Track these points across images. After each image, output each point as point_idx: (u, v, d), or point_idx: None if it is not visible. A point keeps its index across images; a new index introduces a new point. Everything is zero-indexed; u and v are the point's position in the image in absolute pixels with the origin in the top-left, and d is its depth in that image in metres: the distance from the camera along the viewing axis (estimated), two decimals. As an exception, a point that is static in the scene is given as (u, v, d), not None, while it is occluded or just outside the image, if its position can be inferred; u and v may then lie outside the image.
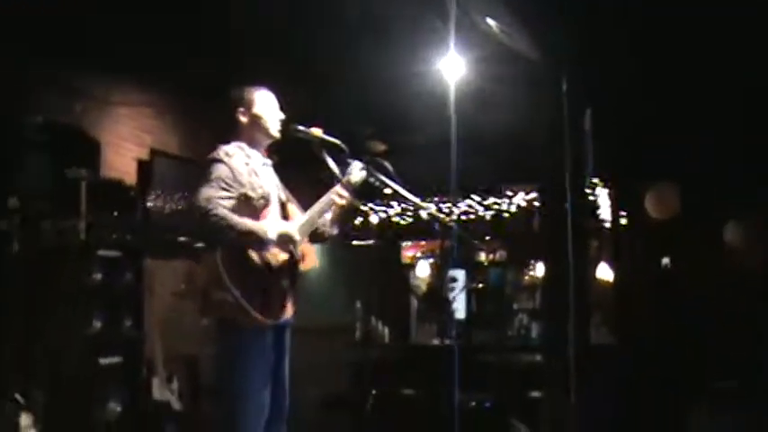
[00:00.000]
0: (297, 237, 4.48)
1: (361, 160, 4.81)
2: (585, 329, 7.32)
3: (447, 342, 10.10)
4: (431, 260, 12.48)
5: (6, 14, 6.75)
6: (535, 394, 8.26)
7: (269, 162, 4.75)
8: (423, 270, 12.47)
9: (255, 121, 4.65)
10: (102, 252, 7.34)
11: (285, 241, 4.42)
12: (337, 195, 4.69)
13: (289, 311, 4.54)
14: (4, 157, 7.13)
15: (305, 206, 4.78)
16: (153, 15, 7.29)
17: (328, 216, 4.79)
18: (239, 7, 7.08)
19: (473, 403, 8.65)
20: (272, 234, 4.34)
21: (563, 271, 6.78)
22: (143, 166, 8.89)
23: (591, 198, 10.37)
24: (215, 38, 7.71)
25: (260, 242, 4.32)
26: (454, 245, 9.93)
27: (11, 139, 7.27)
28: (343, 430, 8.94)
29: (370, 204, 11.78)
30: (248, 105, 4.65)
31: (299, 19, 7.08)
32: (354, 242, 11.24)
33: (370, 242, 11.47)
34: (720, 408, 8.69)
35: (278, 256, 4.42)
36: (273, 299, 4.43)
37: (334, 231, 4.90)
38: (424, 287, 12.53)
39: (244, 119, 4.64)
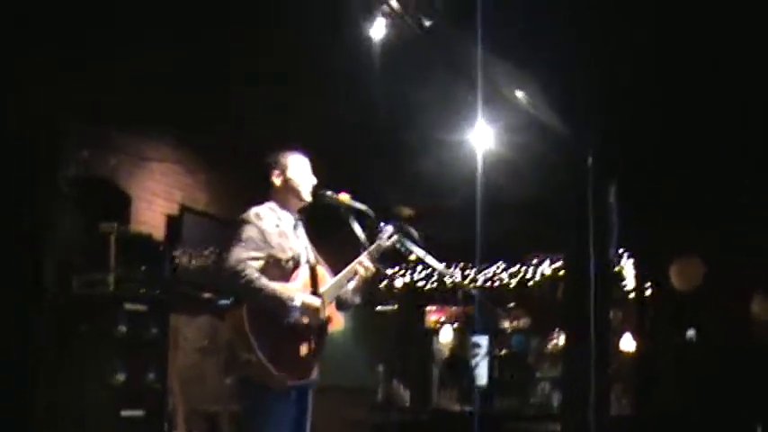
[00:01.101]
0: (321, 308, 4.51)
1: (391, 225, 4.84)
2: (606, 399, 7.29)
3: (468, 408, 10.10)
4: (454, 325, 12.47)
5: (42, 70, 6.94)
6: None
7: (300, 224, 4.81)
8: (446, 335, 12.46)
9: (288, 184, 4.72)
10: (128, 305, 7.42)
11: (309, 311, 4.46)
12: (361, 266, 4.73)
13: (312, 372, 4.58)
14: (37, 210, 7.27)
15: (334, 268, 4.82)
16: (189, 75, 7.44)
17: (351, 285, 4.81)
18: (270, 73, 7.21)
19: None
20: (297, 302, 4.39)
21: (585, 340, 6.78)
22: (172, 222, 9.00)
23: (616, 269, 10.40)
24: (248, 103, 7.84)
25: (285, 308, 4.37)
26: (477, 311, 10.00)
27: (44, 192, 7.40)
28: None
29: (396, 268, 11.80)
30: (282, 168, 4.72)
31: (332, 87, 7.19)
32: (378, 308, 11.27)
33: (394, 307, 11.49)
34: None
35: (303, 321, 4.48)
36: (298, 360, 4.46)
37: (357, 300, 4.89)
38: (446, 352, 12.51)
39: (277, 181, 4.71)
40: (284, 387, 4.38)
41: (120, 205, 8.26)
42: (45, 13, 6.28)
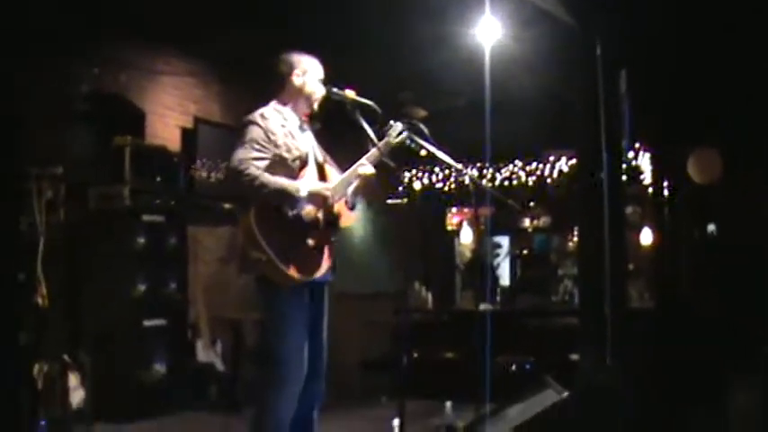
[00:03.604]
0: (329, 194, 4.56)
1: (400, 122, 4.84)
2: (622, 293, 7.30)
3: (489, 307, 10.17)
4: (474, 226, 12.46)
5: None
6: (575, 357, 8.29)
7: (306, 124, 4.82)
8: (466, 236, 12.45)
9: (305, 87, 4.74)
10: (146, 217, 7.49)
11: (317, 200, 4.50)
12: (362, 167, 4.73)
13: (324, 268, 4.61)
14: (50, 127, 7.31)
15: (344, 167, 4.83)
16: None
17: (352, 187, 4.77)
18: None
19: (513, 366, 8.74)
20: (303, 192, 4.43)
21: (598, 235, 6.76)
22: (187, 134, 9.04)
23: (633, 163, 10.34)
24: (253, 6, 7.78)
25: (292, 200, 4.41)
26: (496, 211, 9.99)
27: (57, 108, 7.43)
28: (382, 390, 9.05)
29: (413, 170, 11.79)
30: (303, 70, 4.75)
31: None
32: (389, 200, 11.31)
33: (404, 200, 11.52)
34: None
35: (311, 214, 4.52)
36: (307, 256, 4.50)
37: (357, 202, 4.92)
38: (467, 253, 12.52)
39: (298, 81, 4.72)
40: (296, 283, 4.43)
41: (134, 120, 8.31)
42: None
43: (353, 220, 4.84)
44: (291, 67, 4.74)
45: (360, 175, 4.70)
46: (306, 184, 4.49)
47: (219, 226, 9.20)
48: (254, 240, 4.35)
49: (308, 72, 4.74)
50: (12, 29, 6.44)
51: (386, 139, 4.75)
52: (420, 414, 7.27)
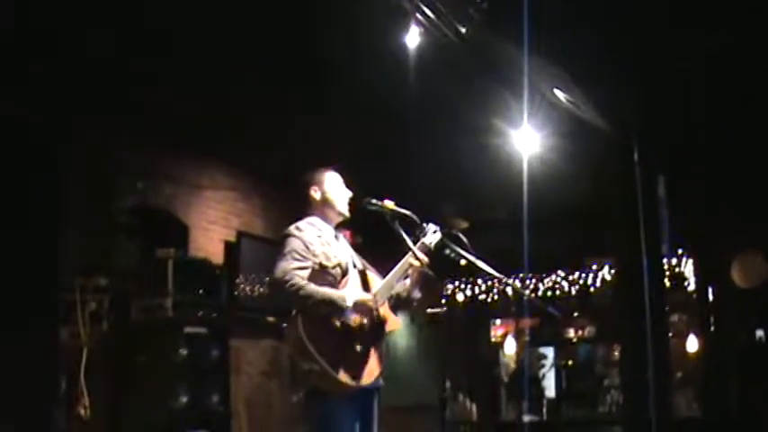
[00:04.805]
0: (374, 304, 4.59)
1: (434, 225, 4.88)
2: (667, 402, 7.19)
3: (535, 419, 10.06)
4: (519, 338, 12.40)
5: (102, 103, 7.12)
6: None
7: (341, 235, 4.89)
8: (510, 347, 12.38)
9: (326, 198, 4.85)
10: (188, 329, 7.51)
11: (363, 309, 4.53)
12: (413, 257, 4.76)
13: (375, 374, 4.61)
14: (96, 239, 7.44)
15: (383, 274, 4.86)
16: (240, 104, 7.57)
17: (409, 280, 4.85)
18: (318, 95, 7.29)
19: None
20: (349, 302, 4.46)
21: (641, 344, 6.71)
22: (230, 247, 9.14)
23: (677, 269, 10.29)
24: (297, 121, 7.93)
25: (338, 310, 4.44)
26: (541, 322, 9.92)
27: (103, 221, 7.57)
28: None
29: (456, 282, 11.80)
30: (319, 184, 4.86)
31: (376, 101, 7.24)
32: (428, 310, 11.29)
33: (443, 309, 11.49)
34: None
35: (358, 321, 4.53)
36: (359, 363, 4.49)
37: (417, 295, 4.94)
38: (512, 365, 12.43)
39: (317, 196, 4.83)
40: (348, 391, 4.43)
41: (178, 233, 8.41)
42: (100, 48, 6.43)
43: (399, 324, 4.85)
44: (308, 184, 4.86)
45: (413, 267, 4.73)
46: (351, 293, 4.52)
47: (262, 339, 9.22)
48: (304, 351, 4.34)
49: (323, 183, 4.85)
50: (60, 140, 6.63)
51: (421, 242, 4.79)
52: None
